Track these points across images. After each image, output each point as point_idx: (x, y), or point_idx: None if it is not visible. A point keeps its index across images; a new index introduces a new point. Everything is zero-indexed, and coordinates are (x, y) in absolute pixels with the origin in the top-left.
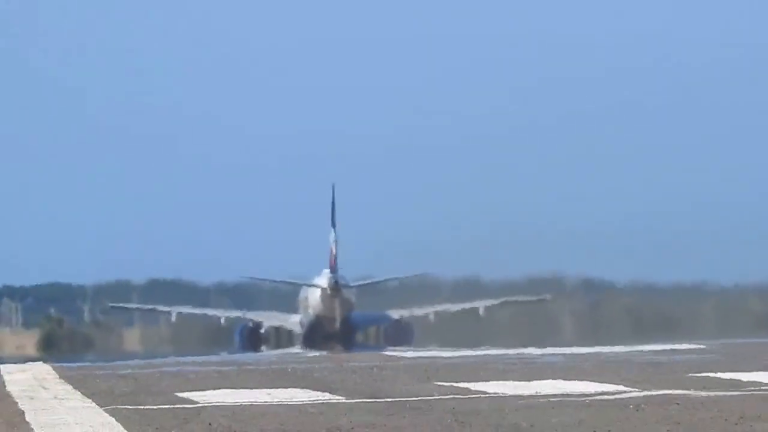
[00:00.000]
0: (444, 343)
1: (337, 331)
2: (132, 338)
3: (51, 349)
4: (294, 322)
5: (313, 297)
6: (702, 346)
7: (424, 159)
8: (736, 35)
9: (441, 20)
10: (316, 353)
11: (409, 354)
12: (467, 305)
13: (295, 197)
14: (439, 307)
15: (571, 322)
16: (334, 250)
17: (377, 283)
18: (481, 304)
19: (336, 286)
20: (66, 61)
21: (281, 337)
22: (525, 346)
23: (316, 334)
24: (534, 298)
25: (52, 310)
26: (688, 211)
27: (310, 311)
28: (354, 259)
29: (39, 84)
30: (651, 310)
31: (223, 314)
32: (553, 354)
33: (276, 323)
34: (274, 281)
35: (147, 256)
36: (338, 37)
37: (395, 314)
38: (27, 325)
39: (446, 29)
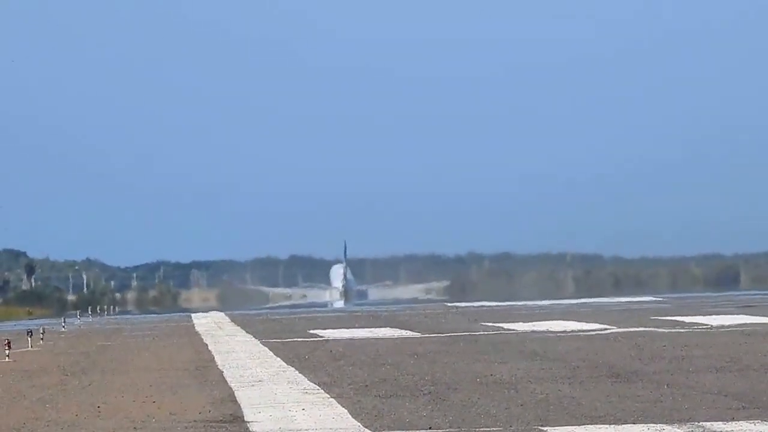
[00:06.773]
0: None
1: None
2: (275, 297)
3: (224, 302)
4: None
5: (336, 290)
6: (659, 298)
7: None
8: None
9: None
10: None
11: (462, 304)
12: (421, 286)
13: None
14: (408, 289)
15: (572, 283)
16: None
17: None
18: (423, 287)
19: (345, 287)
20: None
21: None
22: (541, 299)
23: (340, 301)
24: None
25: (225, 277)
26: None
27: (335, 292)
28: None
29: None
30: (625, 275)
31: (297, 291)
32: (558, 304)
33: (323, 295)
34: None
35: (288, 237)
36: None
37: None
38: (209, 286)
39: None
